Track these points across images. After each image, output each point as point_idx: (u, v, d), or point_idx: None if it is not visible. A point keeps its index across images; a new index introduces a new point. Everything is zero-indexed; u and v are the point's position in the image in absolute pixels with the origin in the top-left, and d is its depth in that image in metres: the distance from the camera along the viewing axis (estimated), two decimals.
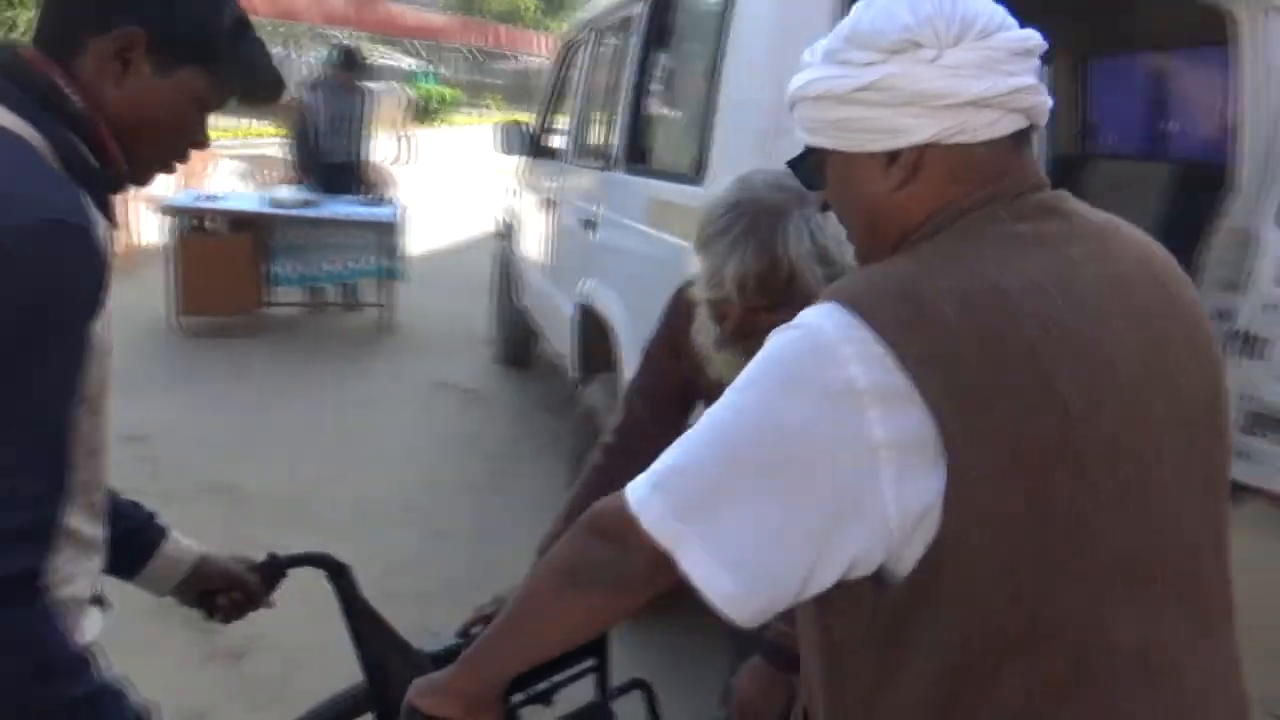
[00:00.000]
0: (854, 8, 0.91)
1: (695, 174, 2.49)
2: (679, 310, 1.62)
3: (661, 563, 0.84)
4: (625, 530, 0.86)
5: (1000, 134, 0.88)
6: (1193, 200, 2.89)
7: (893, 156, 0.89)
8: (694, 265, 2.48)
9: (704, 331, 1.47)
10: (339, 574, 1.40)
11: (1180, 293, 0.92)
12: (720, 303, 1.39)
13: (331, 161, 6.37)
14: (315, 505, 3.72)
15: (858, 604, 0.85)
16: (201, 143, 1.07)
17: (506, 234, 5.56)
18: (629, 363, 2.89)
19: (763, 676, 1.52)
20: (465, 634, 1.56)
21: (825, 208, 1.02)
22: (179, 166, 1.10)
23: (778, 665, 1.52)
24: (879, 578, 0.83)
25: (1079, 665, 0.81)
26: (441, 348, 6.08)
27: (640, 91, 3.17)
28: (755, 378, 0.84)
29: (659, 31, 3.06)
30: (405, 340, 6.26)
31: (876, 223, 0.93)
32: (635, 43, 3.21)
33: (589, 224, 3.38)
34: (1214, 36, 2.75)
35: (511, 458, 4.42)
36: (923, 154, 0.88)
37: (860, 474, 0.78)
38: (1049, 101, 0.90)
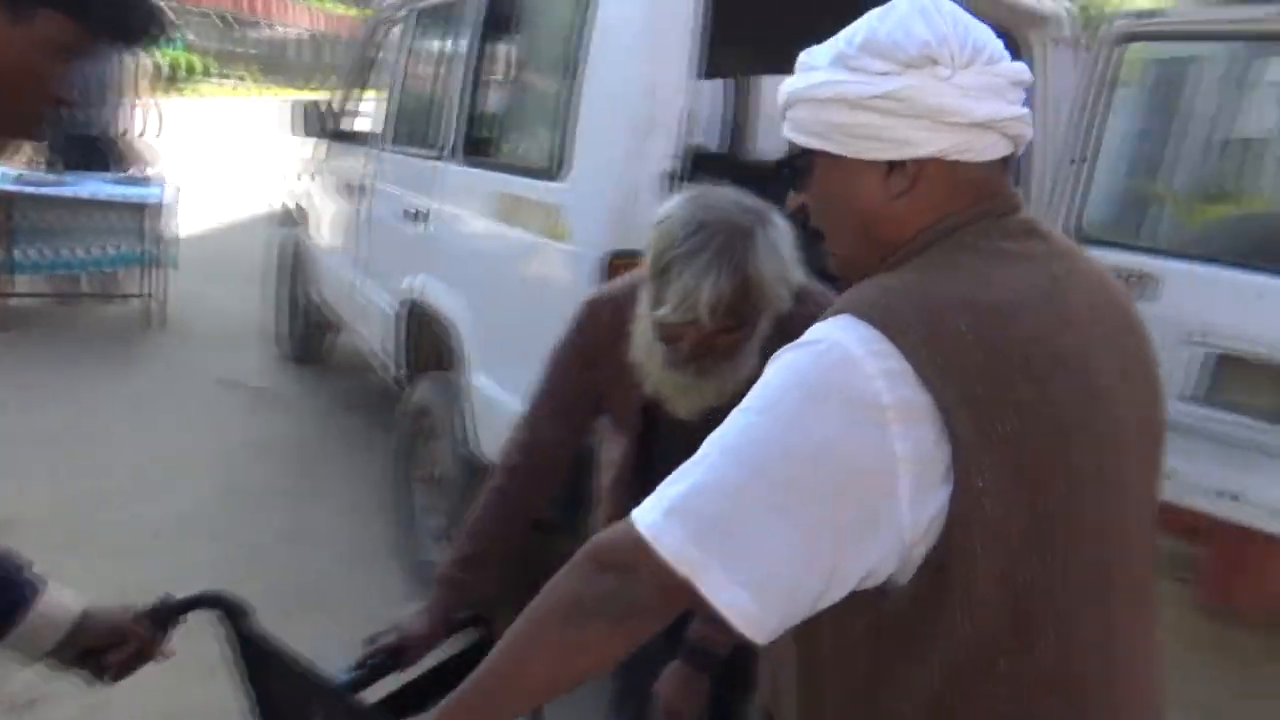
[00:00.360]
0: (866, 16, 0.91)
1: (553, 169, 2.41)
2: (594, 322, 1.55)
3: (674, 589, 0.81)
4: (635, 559, 0.82)
5: (995, 156, 0.91)
6: None
7: (893, 166, 0.89)
8: (548, 261, 2.45)
9: (647, 351, 1.40)
10: (238, 615, 1.24)
11: (1131, 310, 0.99)
12: (681, 324, 1.32)
13: (83, 134, 5.66)
14: (92, 524, 3.30)
15: (859, 612, 0.85)
16: (68, 99, 0.90)
17: (295, 220, 5.16)
18: (471, 361, 2.78)
19: (682, 679, 1.52)
20: (362, 665, 1.45)
21: (800, 211, 1.00)
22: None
23: (697, 667, 1.52)
24: (883, 584, 0.83)
25: (1059, 667, 0.85)
26: (222, 342, 5.57)
27: (479, 79, 3.02)
28: (776, 395, 0.82)
29: (501, 18, 2.93)
30: (179, 334, 5.68)
31: (870, 229, 0.93)
32: (472, 27, 3.05)
33: (416, 216, 3.21)
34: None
35: (320, 460, 4.13)
36: (924, 167, 0.89)
37: (881, 488, 0.79)
38: (1031, 132, 0.94)
